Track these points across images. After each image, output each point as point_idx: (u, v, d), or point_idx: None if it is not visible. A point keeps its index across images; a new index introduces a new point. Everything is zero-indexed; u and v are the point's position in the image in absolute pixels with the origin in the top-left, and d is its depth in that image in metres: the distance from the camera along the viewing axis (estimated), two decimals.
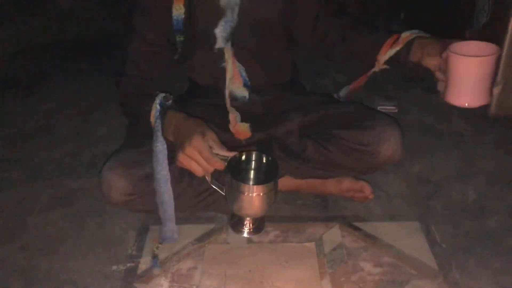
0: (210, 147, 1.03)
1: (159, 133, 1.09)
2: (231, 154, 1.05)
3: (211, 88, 1.33)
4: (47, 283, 1.14)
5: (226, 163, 1.04)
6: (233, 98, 1.27)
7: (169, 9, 1.20)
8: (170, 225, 1.16)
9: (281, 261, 1.16)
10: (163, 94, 1.14)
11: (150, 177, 1.11)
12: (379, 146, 1.16)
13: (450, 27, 2.12)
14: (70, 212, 1.39)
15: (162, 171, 1.09)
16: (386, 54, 1.16)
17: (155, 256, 1.17)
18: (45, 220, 1.36)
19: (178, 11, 1.20)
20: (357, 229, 1.27)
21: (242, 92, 1.27)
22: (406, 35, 1.15)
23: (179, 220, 1.19)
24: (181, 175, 1.18)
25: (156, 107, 1.12)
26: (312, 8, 1.28)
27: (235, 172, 1.07)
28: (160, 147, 1.08)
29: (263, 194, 1.06)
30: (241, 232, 1.20)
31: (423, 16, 2.55)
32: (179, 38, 1.23)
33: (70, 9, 3.21)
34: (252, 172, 1.17)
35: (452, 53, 0.97)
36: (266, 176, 1.12)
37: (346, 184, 1.35)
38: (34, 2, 3.07)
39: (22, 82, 2.31)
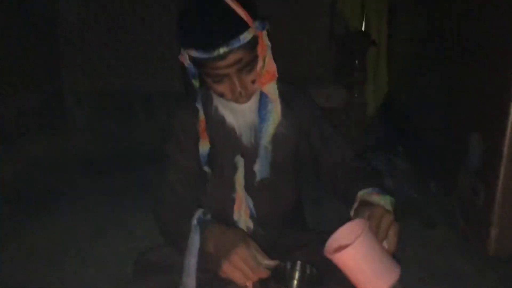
0: (254, 257, 1.05)
1: (193, 247, 1.11)
2: (274, 263, 1.07)
3: (220, 215, 1.38)
4: None
5: (270, 272, 1.06)
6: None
7: (196, 141, 1.28)
8: None
9: None
10: (201, 210, 1.17)
11: None
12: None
13: (445, 165, 2.24)
14: None
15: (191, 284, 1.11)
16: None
17: None
18: None
19: (204, 147, 1.29)
20: None
21: (247, 223, 1.33)
22: (360, 195, 1.14)
23: None
24: None
25: (193, 223, 1.15)
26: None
27: (279, 281, 1.09)
28: (193, 261, 1.11)
29: None
30: None
31: (419, 151, 2.69)
32: (206, 170, 1.31)
33: (86, 126, 3.42)
34: (295, 282, 1.16)
35: (327, 254, 0.96)
36: (308, 286, 1.13)
37: None
38: (54, 118, 3.28)
39: (34, 196, 2.39)
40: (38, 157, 2.80)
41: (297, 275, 1.17)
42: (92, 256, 1.85)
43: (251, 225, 1.33)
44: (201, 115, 1.28)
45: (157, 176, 1.30)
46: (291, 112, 1.32)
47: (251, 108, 1.25)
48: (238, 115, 1.26)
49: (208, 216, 1.18)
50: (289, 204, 1.44)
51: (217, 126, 1.28)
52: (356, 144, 2.78)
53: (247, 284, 1.07)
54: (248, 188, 1.30)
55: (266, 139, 1.27)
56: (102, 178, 2.63)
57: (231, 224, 1.31)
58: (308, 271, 1.16)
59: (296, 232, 1.42)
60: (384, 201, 1.11)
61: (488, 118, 1.82)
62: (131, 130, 3.34)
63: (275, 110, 1.27)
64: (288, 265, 1.15)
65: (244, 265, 1.04)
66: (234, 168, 1.29)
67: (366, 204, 1.10)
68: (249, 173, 1.30)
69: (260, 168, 1.28)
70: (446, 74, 2.30)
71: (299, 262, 1.17)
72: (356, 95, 3.10)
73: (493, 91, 1.79)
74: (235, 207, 1.31)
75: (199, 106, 1.28)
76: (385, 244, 1.01)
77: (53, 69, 3.42)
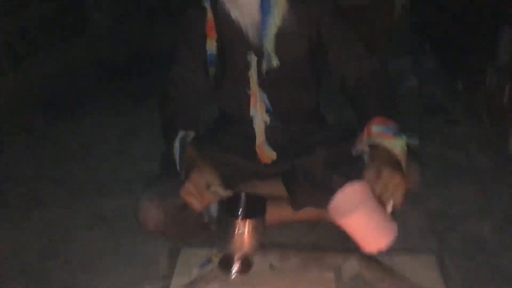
0: (209, 185, 1.10)
1: (180, 169, 1.18)
2: (226, 193, 1.12)
3: (238, 116, 1.42)
4: None
5: (221, 201, 1.11)
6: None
7: (204, 39, 1.29)
8: None
9: None
10: (183, 133, 1.21)
11: (184, 208, 1.21)
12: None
13: (472, 63, 2.18)
14: (107, 231, 1.50)
15: None
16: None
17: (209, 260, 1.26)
18: (85, 238, 1.48)
19: (210, 46, 1.30)
20: (375, 260, 1.34)
21: (264, 118, 1.36)
22: (374, 131, 1.12)
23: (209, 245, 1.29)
24: None
25: (176, 146, 1.20)
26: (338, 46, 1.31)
27: (227, 210, 1.13)
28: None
29: (250, 231, 1.09)
30: (229, 272, 1.16)
31: (447, 50, 2.61)
32: (212, 71, 1.33)
33: (108, 29, 3.39)
34: (241, 211, 1.19)
35: (331, 214, 1.03)
36: (255, 214, 1.15)
37: None
38: (76, 22, 3.26)
39: (63, 102, 2.47)
40: (61, 63, 2.83)
41: (245, 204, 1.17)
42: (126, 155, 1.94)
43: (267, 119, 1.35)
44: (209, 14, 1.27)
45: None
46: (301, 6, 1.27)
47: (253, 1, 1.22)
48: (241, 8, 1.24)
49: (189, 139, 1.20)
50: (306, 103, 1.44)
51: (226, 24, 1.27)
52: (382, 43, 2.70)
53: (199, 207, 1.11)
54: (262, 84, 1.31)
55: (269, 34, 1.25)
56: (126, 82, 2.67)
57: (248, 122, 1.35)
58: (255, 200, 1.17)
59: (316, 127, 1.45)
60: (396, 146, 1.09)
61: None
62: (152, 33, 3.32)
63: (279, 3, 1.24)
64: (243, 196, 1.16)
65: (196, 191, 1.09)
66: (247, 65, 1.30)
67: (377, 150, 1.08)
68: (262, 70, 1.30)
69: (267, 64, 1.28)
70: None
71: (244, 193, 1.18)
72: None
73: None
74: (251, 103, 1.33)
75: (206, 4, 1.27)
76: (390, 204, 1.01)
77: None
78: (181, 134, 1.21)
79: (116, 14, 3.55)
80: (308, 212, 1.40)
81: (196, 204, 1.10)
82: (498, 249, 1.38)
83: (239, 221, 1.11)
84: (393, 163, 1.06)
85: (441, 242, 1.41)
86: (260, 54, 1.28)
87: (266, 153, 1.37)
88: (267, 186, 1.40)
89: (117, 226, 1.52)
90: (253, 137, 1.37)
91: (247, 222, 1.09)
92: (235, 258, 1.16)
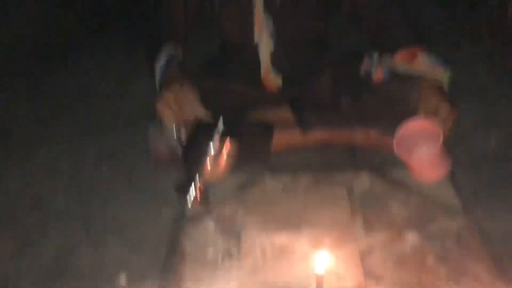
0: (189, 102, 1.08)
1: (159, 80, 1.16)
2: (204, 113, 1.09)
3: (241, 44, 1.39)
4: (104, 224, 1.28)
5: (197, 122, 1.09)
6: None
7: None
8: None
9: (315, 205, 1.26)
10: (170, 52, 1.18)
11: None
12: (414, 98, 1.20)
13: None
14: (117, 166, 1.50)
15: None
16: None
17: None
18: (94, 174, 1.48)
19: None
20: (384, 175, 1.36)
21: (269, 44, 1.32)
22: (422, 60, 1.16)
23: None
24: None
25: (161, 62, 1.17)
26: None
27: (203, 131, 1.09)
28: None
29: (223, 154, 1.08)
30: (186, 199, 1.05)
31: None
32: None
33: None
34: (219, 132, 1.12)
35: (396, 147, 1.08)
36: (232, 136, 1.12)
37: (374, 137, 1.41)
38: None
39: (57, 49, 2.40)
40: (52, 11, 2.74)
41: (218, 130, 1.11)
42: (126, 94, 1.92)
43: (272, 47, 1.32)
44: None
45: None
46: None
47: None
48: None
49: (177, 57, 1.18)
50: (313, 30, 1.40)
51: None
52: None
53: (173, 122, 1.08)
54: (268, 9, 1.27)
55: None
56: (120, 23, 2.59)
57: (252, 50, 1.31)
58: (229, 126, 1.11)
59: (321, 53, 1.42)
60: (445, 78, 1.13)
61: None
62: None
63: None
64: (220, 122, 1.10)
65: (174, 103, 1.06)
66: None
67: (428, 82, 1.11)
68: None
69: None
70: None
71: (221, 117, 1.11)
72: None
73: None
74: (256, 28, 1.30)
75: None
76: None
77: None
78: (168, 50, 1.18)
79: None
80: (317, 134, 1.39)
81: (171, 117, 1.06)
82: (503, 159, 1.40)
83: (215, 142, 1.07)
84: (445, 96, 1.11)
85: (451, 155, 1.42)
86: None
87: (272, 81, 1.35)
88: (274, 113, 1.39)
89: (125, 161, 1.52)
90: (257, 64, 1.34)
91: (223, 144, 1.07)
92: (196, 185, 1.05)
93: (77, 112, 1.82)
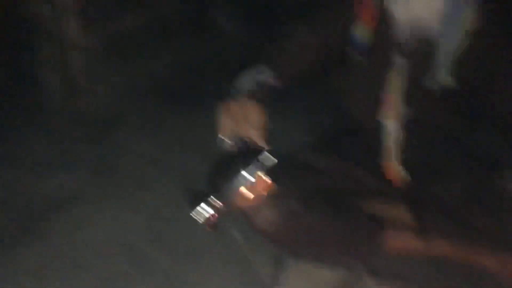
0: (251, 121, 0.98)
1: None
2: (260, 140, 0.98)
3: (364, 122, 1.28)
4: None
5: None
6: None
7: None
8: None
9: None
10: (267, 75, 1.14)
11: None
12: None
13: None
14: None
15: None
16: None
17: None
18: None
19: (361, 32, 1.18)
20: None
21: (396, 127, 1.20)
22: None
23: None
24: None
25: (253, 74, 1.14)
26: None
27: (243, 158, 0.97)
28: None
29: (251, 189, 0.95)
30: (199, 216, 0.97)
31: None
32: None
33: (232, 33, 3.44)
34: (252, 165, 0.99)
35: None
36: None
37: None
38: (202, 24, 3.35)
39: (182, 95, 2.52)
40: (185, 59, 2.91)
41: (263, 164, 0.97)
42: None
43: (401, 134, 1.19)
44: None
45: None
46: None
47: None
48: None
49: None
50: (450, 128, 1.25)
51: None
52: None
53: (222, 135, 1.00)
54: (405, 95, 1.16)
55: None
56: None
57: (375, 130, 1.20)
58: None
59: (456, 156, 1.26)
60: None
61: None
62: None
63: None
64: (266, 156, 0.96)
65: (236, 116, 0.98)
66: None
67: None
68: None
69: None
70: None
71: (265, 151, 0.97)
72: None
73: None
74: (385, 108, 1.18)
75: None
76: None
77: None
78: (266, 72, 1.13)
79: (240, 18, 3.59)
80: (438, 245, 1.21)
81: (226, 126, 1.00)
82: None
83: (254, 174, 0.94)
84: None
85: None
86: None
87: (396, 172, 1.21)
88: (389, 208, 1.25)
89: None
90: (379, 148, 1.23)
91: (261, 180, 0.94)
92: (213, 210, 0.96)
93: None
